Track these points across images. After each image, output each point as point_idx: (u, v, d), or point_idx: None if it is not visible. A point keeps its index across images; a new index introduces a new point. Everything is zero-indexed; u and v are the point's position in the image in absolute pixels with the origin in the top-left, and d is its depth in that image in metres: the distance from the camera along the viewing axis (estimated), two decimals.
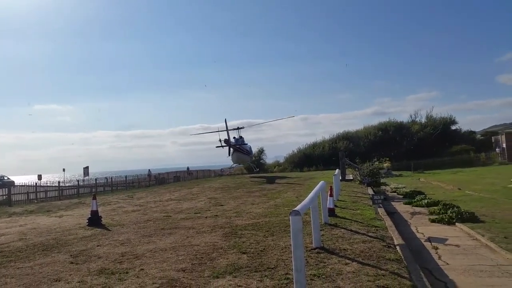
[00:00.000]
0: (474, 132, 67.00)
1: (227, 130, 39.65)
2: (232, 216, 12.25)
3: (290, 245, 5.27)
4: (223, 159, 42.69)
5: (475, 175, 33.07)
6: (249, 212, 13.00)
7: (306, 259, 6.38)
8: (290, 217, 5.11)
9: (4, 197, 25.21)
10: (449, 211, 12.33)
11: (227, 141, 39.87)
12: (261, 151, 65.04)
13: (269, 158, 71.76)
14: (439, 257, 7.96)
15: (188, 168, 57.29)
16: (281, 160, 70.18)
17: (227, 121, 39.64)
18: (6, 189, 27.03)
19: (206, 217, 12.36)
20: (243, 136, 44.05)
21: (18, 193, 26.71)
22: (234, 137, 43.03)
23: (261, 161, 62.91)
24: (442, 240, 9.48)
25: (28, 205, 21.97)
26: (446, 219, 11.76)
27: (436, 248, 8.73)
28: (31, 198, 26.72)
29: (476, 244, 8.94)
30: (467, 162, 49.16)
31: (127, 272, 6.44)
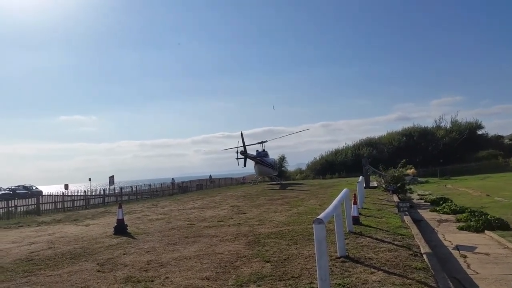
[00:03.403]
0: (502, 137, 65.12)
1: (243, 142, 40.60)
2: (255, 224, 12.24)
3: (314, 253, 5.24)
4: (246, 167, 43.06)
5: (504, 180, 32.07)
6: (272, 220, 12.97)
7: (331, 268, 6.32)
8: (313, 226, 5.08)
9: (33, 206, 25.88)
10: (477, 218, 12.00)
11: (243, 153, 40.68)
12: (282, 159, 64.95)
13: (291, 165, 71.65)
14: (468, 266, 7.74)
15: (210, 176, 57.65)
16: (303, 168, 69.93)
17: (243, 134, 40.43)
18: (35, 198, 27.77)
19: (229, 225, 12.39)
20: (266, 150, 44.73)
21: (46, 203, 27.40)
22: (257, 150, 43.75)
23: (282, 168, 62.75)
24: (471, 248, 9.23)
25: (55, 214, 22.50)
26: (474, 227, 11.45)
27: (465, 257, 8.49)
28: (58, 207, 27.35)
29: (508, 253, 8.65)
30: (495, 167, 47.78)
31: (152, 281, 6.52)
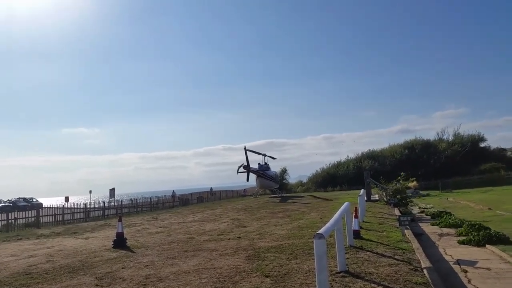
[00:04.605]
0: (504, 149, 65.00)
1: (246, 156, 40.52)
2: (255, 238, 12.17)
3: (314, 268, 5.20)
4: (248, 181, 43.04)
5: (506, 194, 31.92)
6: (272, 234, 12.90)
7: (331, 283, 6.26)
8: (314, 240, 5.06)
9: (33, 219, 25.79)
10: (477, 232, 11.92)
11: (246, 167, 40.63)
12: (284, 171, 64.83)
13: (292, 178, 71.40)
14: (469, 281, 7.67)
15: (211, 188, 57.55)
16: (305, 180, 69.74)
17: (246, 148, 40.50)
18: (35, 211, 27.68)
19: (229, 239, 12.33)
20: (268, 163, 44.77)
21: (46, 215, 27.28)
22: (259, 163, 43.73)
23: (284, 181, 62.60)
24: (472, 263, 9.15)
25: (55, 227, 22.42)
26: (475, 241, 11.38)
27: (466, 271, 8.42)
28: (58, 220, 27.24)
29: (509, 268, 8.58)
30: (497, 180, 47.55)
31: None
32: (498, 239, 11.08)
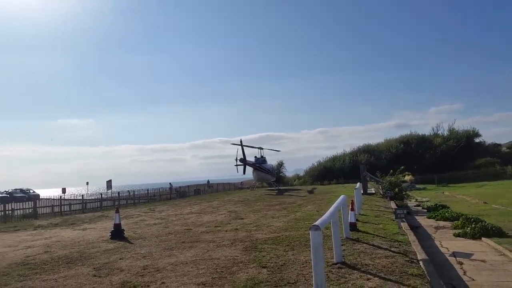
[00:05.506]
0: (499, 145, 65.33)
1: (242, 150, 40.86)
2: (252, 230, 12.23)
3: (311, 259, 5.24)
4: (245, 174, 43.27)
5: (502, 188, 32.14)
6: (269, 226, 12.96)
7: (327, 274, 6.32)
8: (310, 232, 5.10)
9: (30, 210, 25.77)
10: (473, 225, 12.02)
11: (242, 160, 40.80)
12: (280, 164, 64.92)
13: (289, 171, 71.57)
14: (464, 273, 7.76)
15: (208, 181, 57.62)
16: (301, 173, 69.89)
17: (242, 142, 40.67)
18: (32, 202, 27.66)
19: (226, 231, 12.38)
20: (264, 156, 44.99)
21: (43, 206, 27.29)
22: (255, 156, 43.98)
23: (280, 174, 62.75)
24: (468, 255, 9.24)
25: (53, 218, 22.42)
26: (471, 233, 11.48)
27: (461, 263, 8.51)
28: (55, 211, 27.25)
29: (504, 260, 8.67)
30: (492, 175, 47.84)
31: (148, 286, 6.50)
32: (493, 232, 11.18)
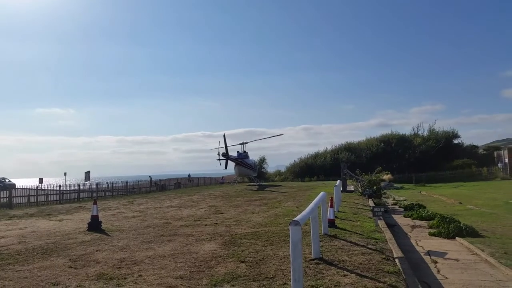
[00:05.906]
0: (476, 147, 67.02)
1: (225, 144, 40.71)
2: (231, 225, 12.24)
3: (289, 255, 5.28)
4: (227, 168, 43.18)
5: (477, 189, 32.98)
6: (249, 221, 12.99)
7: (305, 270, 6.37)
8: (290, 227, 5.12)
9: (5, 199, 25.20)
10: (448, 225, 12.29)
11: (225, 155, 40.79)
12: (262, 160, 65.11)
13: (271, 167, 71.98)
14: (438, 271, 7.94)
15: (189, 175, 57.29)
16: (283, 170, 70.25)
17: (225, 136, 40.54)
18: (7, 191, 27.05)
19: (205, 225, 12.35)
20: (247, 151, 44.97)
21: (19, 196, 26.73)
22: (238, 151, 43.92)
23: (262, 170, 62.90)
24: (442, 254, 9.45)
25: (28, 208, 21.98)
26: (446, 233, 11.73)
27: (436, 262, 8.70)
28: (31, 201, 26.72)
29: (476, 259, 8.90)
30: (469, 176, 49.06)
31: (125, 278, 6.44)
32: (467, 232, 11.45)
